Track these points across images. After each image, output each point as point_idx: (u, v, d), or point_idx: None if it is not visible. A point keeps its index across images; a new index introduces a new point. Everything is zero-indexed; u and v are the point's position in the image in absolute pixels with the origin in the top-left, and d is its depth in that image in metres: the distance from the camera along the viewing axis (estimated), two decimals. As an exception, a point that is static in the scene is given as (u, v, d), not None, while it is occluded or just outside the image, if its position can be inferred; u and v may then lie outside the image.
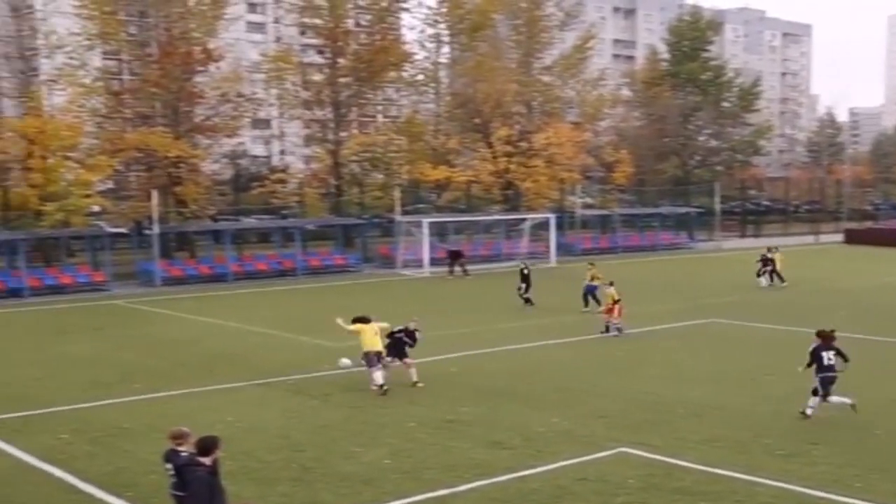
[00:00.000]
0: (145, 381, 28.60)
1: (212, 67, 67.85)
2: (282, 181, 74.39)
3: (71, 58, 65.66)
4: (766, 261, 52.85)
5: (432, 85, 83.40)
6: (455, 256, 60.40)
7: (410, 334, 28.09)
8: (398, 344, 27.74)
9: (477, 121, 77.19)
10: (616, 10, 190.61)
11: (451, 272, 59.43)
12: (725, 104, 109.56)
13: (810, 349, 23.29)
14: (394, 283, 56.99)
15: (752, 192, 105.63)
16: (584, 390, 26.69)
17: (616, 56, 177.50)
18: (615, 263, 60.43)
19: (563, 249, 68.94)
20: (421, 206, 76.78)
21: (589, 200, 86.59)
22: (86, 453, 21.10)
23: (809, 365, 23.21)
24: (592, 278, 42.99)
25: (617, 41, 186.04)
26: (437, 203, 78.18)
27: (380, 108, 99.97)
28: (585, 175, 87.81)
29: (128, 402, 25.86)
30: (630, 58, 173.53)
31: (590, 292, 42.78)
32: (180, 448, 14.19)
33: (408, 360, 27.74)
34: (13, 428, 23.42)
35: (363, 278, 59.98)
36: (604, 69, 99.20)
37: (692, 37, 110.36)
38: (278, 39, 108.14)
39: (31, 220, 58.77)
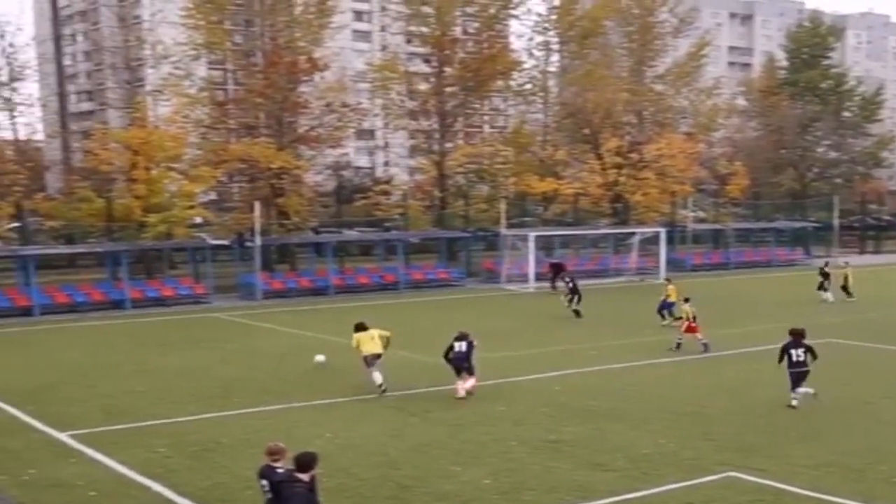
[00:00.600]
0: (244, 395, 28.56)
1: (317, 77, 67.42)
2: (385, 193, 73.91)
3: (176, 68, 65.87)
4: (825, 274, 51.98)
5: (540, 94, 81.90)
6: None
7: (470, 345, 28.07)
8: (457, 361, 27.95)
9: (586, 131, 75.56)
10: (733, 15, 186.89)
11: (554, 287, 57.80)
12: (846, 114, 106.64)
13: (781, 346, 25.82)
14: (497, 298, 55.80)
15: (873, 206, 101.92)
16: (691, 411, 25.73)
17: (732, 64, 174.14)
18: (727, 280, 58.84)
19: (674, 265, 67.11)
20: (527, 219, 75.38)
21: (701, 214, 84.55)
22: (183, 467, 21.04)
23: (780, 360, 25.83)
24: (668, 295, 42.95)
25: (733, 48, 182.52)
26: (544, 216, 76.76)
27: (486, 118, 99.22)
28: (698, 188, 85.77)
29: (226, 417, 25.78)
30: (746, 66, 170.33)
31: (665, 308, 42.98)
32: (277, 464, 14.04)
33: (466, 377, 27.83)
34: (112, 440, 23.33)
35: (466, 293, 59.03)
36: (719, 77, 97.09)
37: (812, 43, 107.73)
38: (384, 48, 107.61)
39: (134, 232, 58.74)
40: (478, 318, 44.92)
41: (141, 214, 57.50)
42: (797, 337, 25.93)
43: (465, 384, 27.63)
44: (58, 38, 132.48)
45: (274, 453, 14.14)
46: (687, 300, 36.97)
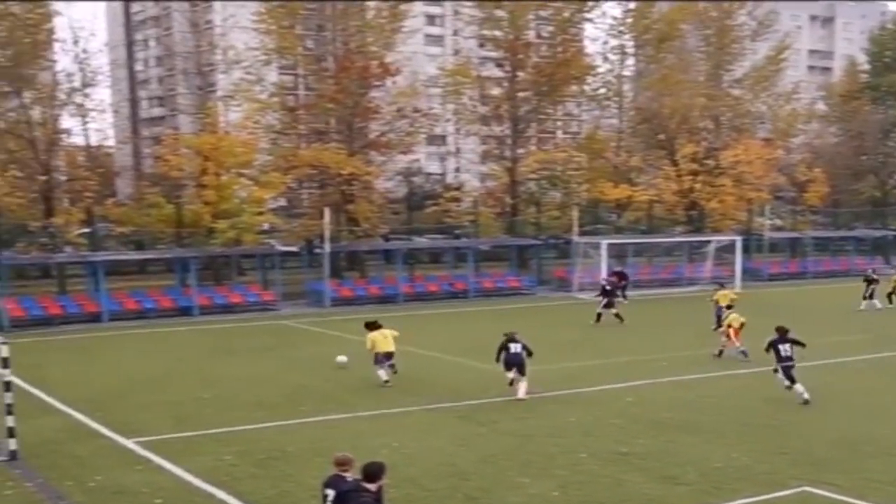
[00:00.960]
0: (311, 403, 28.61)
1: (388, 82, 67.01)
2: (456, 199, 73.25)
3: (248, 73, 65.92)
4: (870, 281, 51.92)
5: (615, 99, 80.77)
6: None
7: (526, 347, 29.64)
8: (513, 359, 29.46)
9: (661, 137, 74.40)
10: (813, 18, 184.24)
11: (624, 296, 56.51)
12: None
13: (768, 341, 28.31)
14: (568, 307, 55.05)
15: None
16: (765, 424, 25.26)
17: (812, 68, 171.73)
18: (804, 289, 57.65)
19: (750, 274, 65.85)
20: (600, 226, 74.42)
21: (778, 222, 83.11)
22: (249, 475, 21.08)
23: (767, 351, 28.46)
24: (717, 300, 43.02)
25: (813, 52, 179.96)
26: (617, 223, 75.70)
27: (559, 123, 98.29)
28: (775, 195, 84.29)
29: (293, 425, 25.75)
30: (827, 69, 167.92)
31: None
32: (345, 473, 14.17)
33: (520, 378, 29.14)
34: (179, 448, 23.44)
35: (536, 301, 58.46)
36: (798, 82, 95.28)
37: (895, 46, 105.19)
38: (456, 52, 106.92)
39: (203, 238, 58.64)
40: (548, 327, 44.93)
41: (210, 220, 57.40)
42: (783, 334, 28.35)
43: (522, 387, 28.70)
44: (130, 44, 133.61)
45: (342, 463, 14.22)
46: (730, 307, 38.24)
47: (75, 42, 58.74)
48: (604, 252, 59.32)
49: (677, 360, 35.51)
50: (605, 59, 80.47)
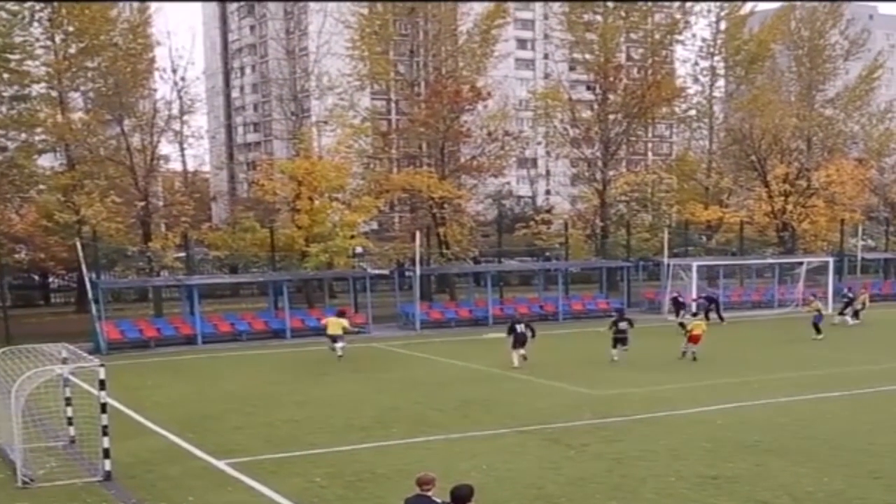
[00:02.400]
0: (401, 425, 28.61)
1: (479, 106, 67.47)
2: (546, 222, 73.35)
3: (341, 98, 66.88)
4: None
5: (705, 120, 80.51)
6: (710, 302, 57.36)
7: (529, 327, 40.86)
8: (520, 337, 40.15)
9: (752, 158, 73.81)
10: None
11: (720, 317, 56.45)
12: None
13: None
14: (658, 329, 54.60)
15: None
16: (858, 448, 24.71)
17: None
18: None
19: (842, 295, 64.92)
20: (690, 248, 73.95)
21: (871, 243, 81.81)
22: (338, 497, 21.09)
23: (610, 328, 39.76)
24: (818, 309, 48.80)
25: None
26: (708, 245, 75.17)
27: (650, 145, 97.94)
28: (868, 215, 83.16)
29: (383, 447, 25.74)
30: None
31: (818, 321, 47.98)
32: (428, 493, 14.18)
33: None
34: (270, 469, 23.55)
35: (626, 323, 57.74)
36: (892, 101, 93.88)
37: None
38: (547, 76, 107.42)
39: (296, 261, 59.40)
40: (638, 348, 44.39)
41: (303, 244, 58.14)
42: (621, 313, 39.93)
43: (521, 351, 39.37)
44: (227, 72, 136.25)
45: (425, 483, 14.21)
46: (695, 314, 45.40)
47: (174, 71, 60.20)
48: (694, 274, 58.97)
49: (768, 383, 35.17)
50: (696, 80, 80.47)
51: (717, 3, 79.56)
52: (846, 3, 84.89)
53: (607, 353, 40.70)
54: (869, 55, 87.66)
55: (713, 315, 56.12)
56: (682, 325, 47.52)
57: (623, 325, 40.73)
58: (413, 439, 26.54)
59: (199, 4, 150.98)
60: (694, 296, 56.50)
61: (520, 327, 40.23)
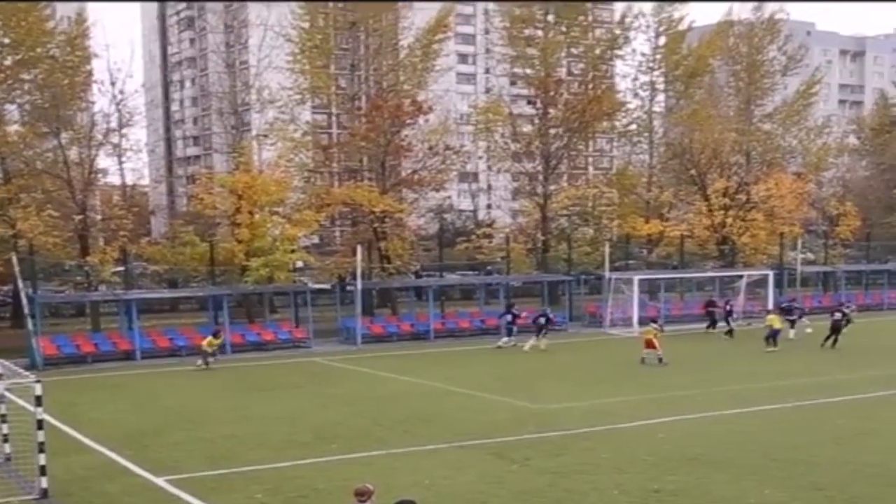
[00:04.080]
0: (343, 440, 28.47)
1: (420, 120, 67.32)
2: (487, 236, 73.32)
3: (282, 112, 66.54)
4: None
5: (646, 135, 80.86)
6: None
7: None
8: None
9: (692, 172, 74.15)
10: (843, 52, 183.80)
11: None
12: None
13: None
14: (600, 342, 54.92)
15: None
16: (800, 460, 25.05)
17: (842, 102, 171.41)
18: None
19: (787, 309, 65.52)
20: (631, 261, 74.32)
21: (810, 256, 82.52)
22: None
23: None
24: (771, 323, 49.66)
25: (843, 86, 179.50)
26: (649, 259, 75.55)
27: (591, 159, 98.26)
28: (807, 229, 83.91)
29: (324, 462, 25.65)
30: (857, 103, 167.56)
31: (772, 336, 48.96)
32: None
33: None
34: (209, 486, 23.50)
35: (568, 337, 57.99)
36: (829, 116, 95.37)
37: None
38: (488, 90, 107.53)
39: (236, 276, 58.95)
40: (581, 362, 44.96)
41: (243, 258, 57.64)
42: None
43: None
44: (166, 85, 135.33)
45: (362, 494, 14.58)
46: (654, 321, 46.21)
47: (112, 83, 59.44)
48: (636, 287, 59.27)
49: (710, 396, 35.42)
50: (636, 95, 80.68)
51: (657, 19, 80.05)
52: (784, 19, 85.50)
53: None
54: (807, 71, 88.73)
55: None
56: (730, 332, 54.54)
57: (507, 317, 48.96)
58: (354, 454, 26.42)
59: (138, 17, 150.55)
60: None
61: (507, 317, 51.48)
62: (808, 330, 54.87)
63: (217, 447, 27.94)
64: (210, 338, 47.17)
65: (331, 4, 72.78)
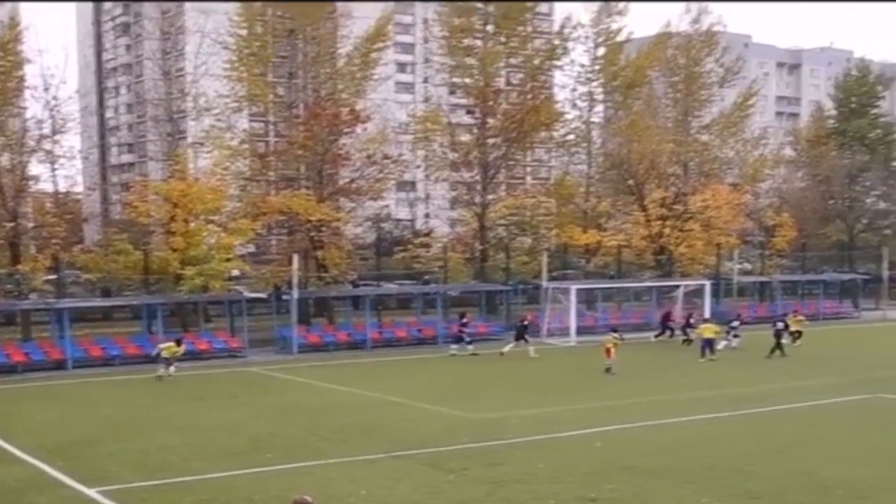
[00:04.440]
0: (278, 450, 28.37)
1: (358, 129, 66.88)
2: (425, 245, 73.19)
3: (218, 120, 65.97)
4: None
5: (584, 145, 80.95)
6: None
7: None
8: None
9: (630, 182, 74.43)
10: (780, 65, 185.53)
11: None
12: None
13: None
14: (538, 352, 54.76)
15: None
16: (736, 468, 25.24)
17: (779, 114, 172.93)
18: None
19: (719, 318, 65.71)
20: (569, 271, 74.45)
21: (747, 266, 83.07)
22: None
23: None
24: (702, 332, 50.75)
25: (780, 98, 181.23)
26: (586, 268, 75.68)
27: (529, 169, 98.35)
28: (744, 239, 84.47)
29: (259, 473, 25.39)
30: (794, 115, 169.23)
31: (706, 345, 49.60)
32: None
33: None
34: (142, 497, 23.38)
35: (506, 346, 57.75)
36: (766, 127, 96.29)
37: (860, 92, 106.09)
38: (427, 100, 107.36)
39: (171, 285, 58.33)
40: (518, 372, 44.87)
41: (178, 267, 57.05)
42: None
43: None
44: (101, 91, 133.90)
45: None
46: (615, 330, 47.32)
47: (46, 89, 58.52)
48: (573, 297, 59.30)
49: (648, 405, 35.53)
50: (574, 105, 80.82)
51: (595, 30, 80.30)
52: (722, 31, 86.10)
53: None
54: (744, 83, 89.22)
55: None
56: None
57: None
58: (290, 465, 26.28)
59: (72, 21, 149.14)
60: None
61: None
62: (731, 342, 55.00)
63: (151, 458, 27.61)
64: (171, 344, 46.26)
65: (269, 12, 72.14)
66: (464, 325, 55.41)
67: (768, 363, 48.80)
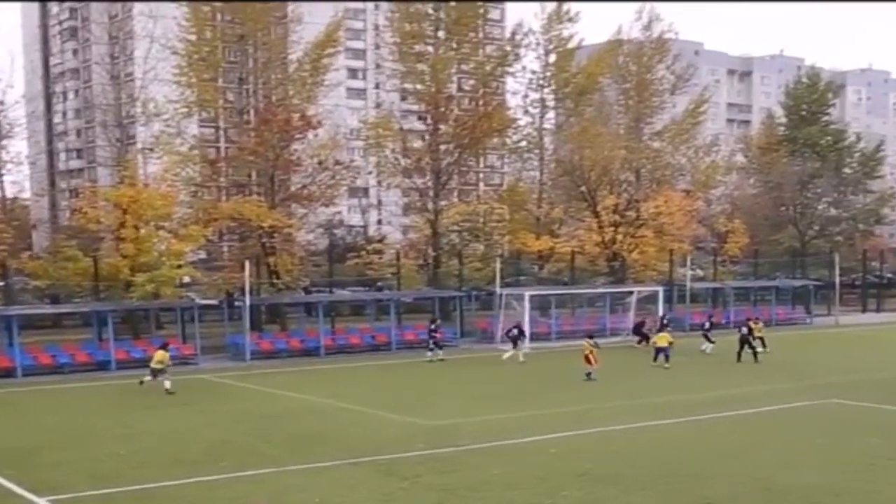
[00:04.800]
0: (232, 458, 28.00)
1: (310, 134, 66.65)
2: (378, 252, 72.96)
3: (168, 126, 65.47)
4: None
5: (536, 151, 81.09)
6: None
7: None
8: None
9: (583, 189, 74.61)
10: (731, 72, 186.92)
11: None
12: (846, 170, 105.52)
13: None
14: (492, 358, 54.70)
15: (874, 263, 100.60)
16: (690, 475, 25.23)
17: (730, 121, 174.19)
18: (727, 339, 57.91)
19: (672, 324, 65.97)
20: (522, 277, 74.49)
21: (699, 272, 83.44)
22: None
23: None
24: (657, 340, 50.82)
25: (731, 105, 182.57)
26: (540, 275, 75.76)
27: (481, 175, 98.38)
28: (696, 246, 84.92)
29: (212, 481, 25.17)
30: (745, 122, 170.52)
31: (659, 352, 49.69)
32: None
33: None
34: None
35: (460, 353, 58.01)
36: (717, 134, 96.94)
37: (811, 100, 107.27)
38: (378, 105, 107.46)
39: (121, 291, 57.75)
40: (472, 378, 44.83)
41: (128, 274, 56.54)
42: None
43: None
44: (48, 96, 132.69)
45: None
46: (591, 336, 47.13)
47: (-8, 94, 57.95)
48: (527, 303, 59.21)
49: (602, 411, 35.52)
50: (526, 112, 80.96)
51: (546, 36, 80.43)
52: (673, 39, 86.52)
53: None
54: (695, 90, 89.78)
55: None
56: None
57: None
58: (244, 473, 25.93)
59: (18, 25, 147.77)
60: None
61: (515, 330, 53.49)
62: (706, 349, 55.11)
63: (101, 466, 27.22)
64: (161, 351, 43.58)
65: (219, 17, 71.78)
66: (434, 330, 55.04)
67: (722, 368, 48.87)
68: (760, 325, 57.21)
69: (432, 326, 55.66)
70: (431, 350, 53.98)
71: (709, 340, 55.57)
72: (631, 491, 23.39)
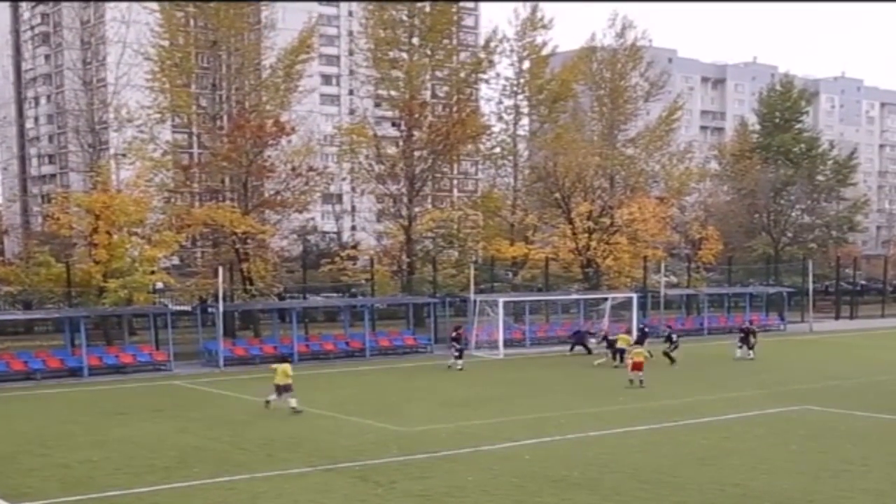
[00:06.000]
0: (205, 465, 27.91)
1: (283, 140, 66.53)
2: (352, 258, 72.78)
3: (141, 131, 65.39)
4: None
5: (510, 158, 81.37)
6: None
7: None
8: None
9: (556, 195, 74.62)
10: (704, 80, 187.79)
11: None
12: (819, 178, 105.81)
13: None
14: (466, 364, 54.59)
15: (848, 270, 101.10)
16: (664, 481, 25.14)
17: (704, 128, 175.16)
18: (701, 345, 58.43)
19: (652, 333, 66.10)
20: (496, 284, 74.41)
21: (673, 279, 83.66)
22: None
23: None
24: (617, 340, 51.74)
25: (705, 112, 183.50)
26: (514, 281, 75.77)
27: (455, 182, 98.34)
28: (670, 252, 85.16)
29: (185, 488, 25.08)
30: (719, 129, 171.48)
31: (619, 353, 50.38)
32: None
33: None
34: None
35: (434, 359, 57.57)
36: (691, 141, 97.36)
37: (784, 107, 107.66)
38: (352, 112, 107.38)
39: (94, 298, 57.41)
40: (447, 385, 44.72)
41: (101, 280, 56.25)
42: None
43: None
44: (20, 102, 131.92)
45: None
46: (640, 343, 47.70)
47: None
48: (501, 310, 59.18)
49: (576, 417, 35.44)
50: (500, 118, 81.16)
51: (520, 43, 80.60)
52: (646, 46, 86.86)
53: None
54: (669, 97, 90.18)
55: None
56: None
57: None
58: (217, 479, 25.84)
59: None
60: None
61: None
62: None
63: (74, 473, 27.07)
64: (285, 365, 38.86)
65: (191, 22, 71.61)
66: (456, 339, 53.98)
67: (695, 375, 48.96)
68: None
69: (454, 334, 53.83)
70: (457, 356, 52.35)
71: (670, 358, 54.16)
72: (606, 497, 23.40)
